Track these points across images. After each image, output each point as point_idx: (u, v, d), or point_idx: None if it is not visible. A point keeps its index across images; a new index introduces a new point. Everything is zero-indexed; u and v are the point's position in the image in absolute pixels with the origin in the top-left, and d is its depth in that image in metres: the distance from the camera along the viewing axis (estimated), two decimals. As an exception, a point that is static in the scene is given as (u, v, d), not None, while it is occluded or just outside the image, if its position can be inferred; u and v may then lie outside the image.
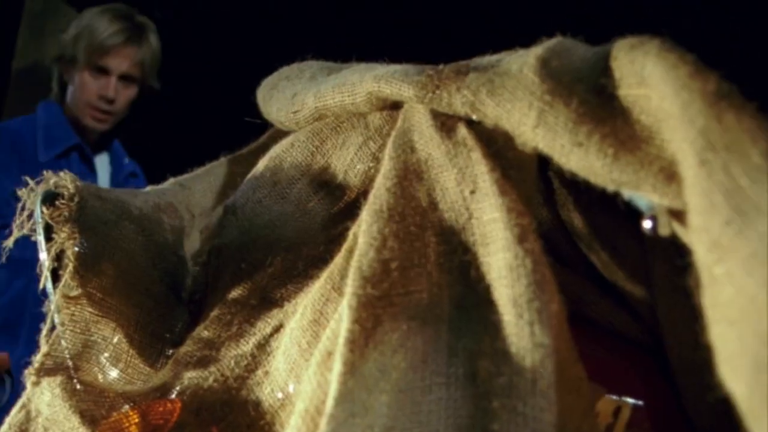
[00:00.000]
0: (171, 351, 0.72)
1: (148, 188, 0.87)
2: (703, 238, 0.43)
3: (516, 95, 0.56)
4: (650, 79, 0.50)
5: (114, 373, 0.69)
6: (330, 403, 0.50)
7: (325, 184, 0.72)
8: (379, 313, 0.53)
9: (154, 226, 0.77)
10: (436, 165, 0.60)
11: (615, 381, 0.59)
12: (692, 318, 0.59)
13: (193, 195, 0.89)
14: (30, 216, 0.77)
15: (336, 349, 0.53)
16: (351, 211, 0.69)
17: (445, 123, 0.62)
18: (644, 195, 0.50)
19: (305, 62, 0.88)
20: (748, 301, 0.40)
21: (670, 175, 0.49)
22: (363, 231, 0.58)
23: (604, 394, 0.58)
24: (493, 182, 0.56)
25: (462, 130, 0.60)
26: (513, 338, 0.51)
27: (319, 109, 0.74)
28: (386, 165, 0.61)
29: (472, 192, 0.57)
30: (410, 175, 0.61)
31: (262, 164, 0.78)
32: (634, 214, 0.62)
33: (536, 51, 0.58)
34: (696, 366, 0.57)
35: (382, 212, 0.58)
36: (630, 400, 0.58)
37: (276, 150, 0.77)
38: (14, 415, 0.65)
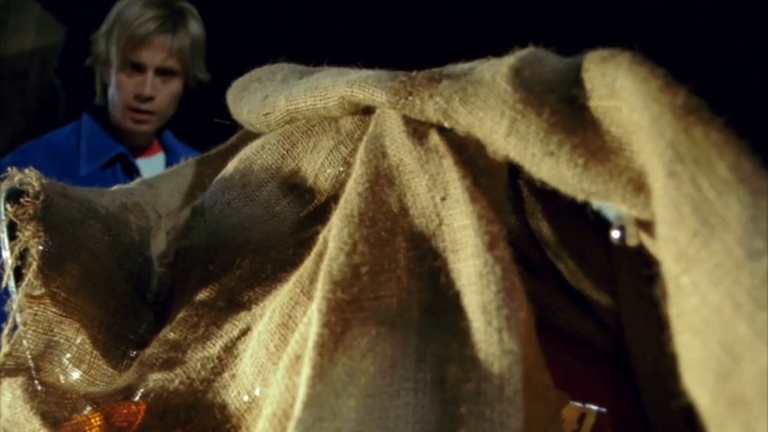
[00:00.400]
0: (135, 353, 0.72)
1: (115, 187, 0.86)
2: (670, 248, 0.44)
3: (488, 103, 0.57)
4: (621, 92, 0.51)
5: (76, 375, 0.68)
6: (298, 407, 0.50)
7: (294, 187, 0.72)
8: (348, 318, 0.53)
9: (121, 226, 0.76)
10: (408, 171, 0.60)
11: (580, 388, 0.60)
12: (656, 327, 0.60)
13: (160, 195, 0.88)
14: (-7, 213, 0.75)
15: (305, 353, 0.52)
16: (321, 214, 0.68)
17: (417, 129, 0.62)
18: (613, 205, 0.51)
19: (277, 64, 0.88)
20: (712, 311, 0.41)
21: (638, 186, 0.50)
22: (333, 235, 0.58)
23: (569, 401, 0.59)
24: (465, 189, 0.56)
25: (434, 137, 0.61)
26: (481, 345, 0.51)
27: (291, 112, 0.74)
28: (358, 170, 0.62)
29: (443, 198, 0.58)
30: (381, 180, 0.61)
31: (231, 166, 0.78)
32: (601, 223, 0.63)
33: (509, 60, 0.59)
34: (659, 374, 0.58)
35: (353, 217, 0.58)
36: (594, 408, 0.59)
37: (246, 152, 0.77)
38: None
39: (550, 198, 0.65)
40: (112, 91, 1.95)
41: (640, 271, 0.60)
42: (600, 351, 0.64)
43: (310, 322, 0.55)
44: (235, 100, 0.87)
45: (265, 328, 0.61)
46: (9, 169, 0.77)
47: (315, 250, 0.62)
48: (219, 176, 0.78)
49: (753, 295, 0.40)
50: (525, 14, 2.60)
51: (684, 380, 0.44)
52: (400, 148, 0.62)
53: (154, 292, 0.78)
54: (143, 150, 2.03)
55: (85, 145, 1.94)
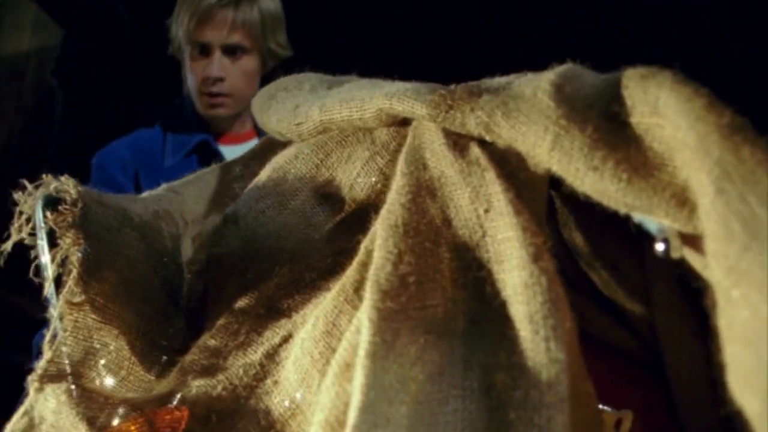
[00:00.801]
0: (168, 359, 0.73)
1: (145, 194, 0.87)
2: (720, 262, 0.46)
3: (531, 118, 0.58)
4: (665, 110, 0.53)
5: (115, 381, 0.69)
6: (353, 413, 0.51)
7: (329, 196, 0.73)
8: (397, 327, 0.55)
9: (155, 233, 0.77)
10: (450, 183, 0.62)
11: (615, 395, 0.62)
12: (691, 336, 0.62)
13: (186, 202, 0.90)
14: (28, 220, 0.76)
15: (356, 361, 0.54)
16: (358, 224, 0.70)
17: (458, 142, 0.64)
18: (656, 219, 0.53)
19: (303, 74, 0.90)
20: (763, 323, 0.43)
21: (682, 200, 0.52)
22: (378, 245, 0.59)
23: (606, 407, 0.61)
24: (508, 202, 0.58)
25: (475, 150, 0.62)
26: (529, 353, 0.53)
27: (325, 122, 0.75)
28: (399, 181, 0.63)
29: (486, 210, 0.59)
30: (423, 191, 0.62)
31: (264, 174, 0.79)
32: (634, 235, 0.65)
33: (548, 76, 0.61)
34: (693, 381, 0.60)
35: (398, 227, 0.60)
36: (629, 413, 0.61)
37: (279, 161, 0.78)
38: (16, 421, 0.65)
39: (583, 209, 0.67)
40: (187, 78, 1.87)
41: (674, 282, 0.62)
42: (631, 358, 0.66)
43: (359, 331, 0.56)
44: (261, 109, 0.89)
45: (308, 335, 0.62)
46: (44, 176, 0.78)
47: (357, 259, 0.63)
48: (251, 185, 0.80)
49: (805, 308, 0.42)
50: (528, 15, 2.62)
51: (731, 389, 0.46)
52: (441, 160, 0.63)
53: (185, 299, 0.79)
54: (234, 137, 1.92)
55: (170, 136, 1.87)
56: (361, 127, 0.73)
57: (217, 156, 1.79)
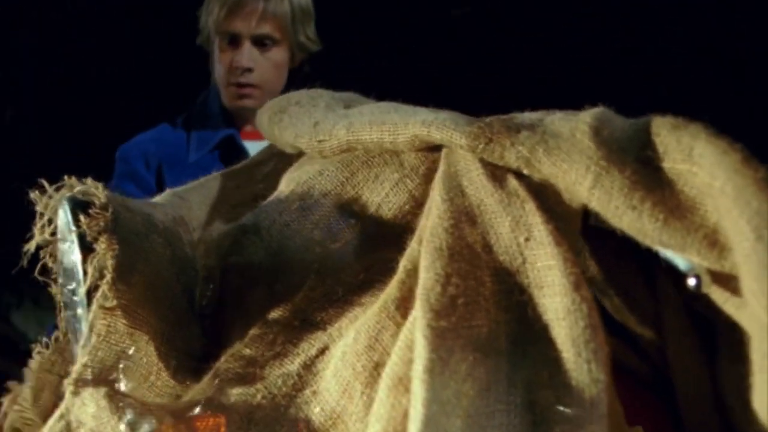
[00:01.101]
0: (191, 365, 0.74)
1: (157, 199, 0.88)
2: (761, 300, 0.52)
3: (572, 157, 0.64)
4: (700, 159, 0.59)
5: (145, 386, 0.70)
6: (416, 425, 0.55)
7: (355, 214, 0.77)
8: (450, 345, 0.59)
9: (176, 240, 0.79)
10: (490, 211, 0.67)
11: (627, 417, 0.67)
12: (698, 361, 0.69)
13: (191, 208, 0.91)
14: (50, 221, 0.76)
15: (413, 375, 0.58)
16: (385, 242, 0.74)
17: (494, 173, 0.69)
18: (689, 257, 0.59)
19: (314, 90, 0.93)
20: (802, 357, 0.50)
21: (713, 241, 0.59)
22: (425, 267, 0.63)
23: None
24: (549, 233, 0.63)
25: (513, 182, 0.67)
26: (573, 373, 0.58)
27: (351, 142, 0.78)
28: (441, 206, 0.67)
29: (527, 239, 0.64)
30: (463, 217, 0.67)
31: (286, 188, 0.81)
32: (646, 265, 0.71)
33: (585, 119, 0.66)
34: (701, 404, 0.67)
35: (443, 251, 0.64)
36: (640, 428, 0.67)
37: (301, 176, 0.80)
38: (52, 425, 0.65)
39: (598, 239, 0.73)
40: (215, 69, 1.85)
41: (684, 311, 0.69)
42: (642, 383, 0.72)
43: (411, 347, 0.60)
44: (272, 121, 0.91)
45: (350, 349, 0.65)
46: (66, 178, 0.78)
47: (397, 277, 0.67)
48: (272, 197, 0.82)
49: (840, 345, 0.48)
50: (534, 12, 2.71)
51: (761, 413, 0.52)
52: (480, 189, 0.68)
53: (198, 305, 0.80)
54: (259, 133, 1.86)
55: (194, 131, 1.84)
56: (389, 149, 0.77)
57: (242, 151, 1.77)
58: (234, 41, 1.78)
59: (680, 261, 0.61)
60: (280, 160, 0.95)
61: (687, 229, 0.59)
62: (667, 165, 0.62)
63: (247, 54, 1.75)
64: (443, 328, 0.60)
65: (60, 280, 0.77)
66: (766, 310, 0.52)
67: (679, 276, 0.66)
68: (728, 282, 0.58)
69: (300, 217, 0.78)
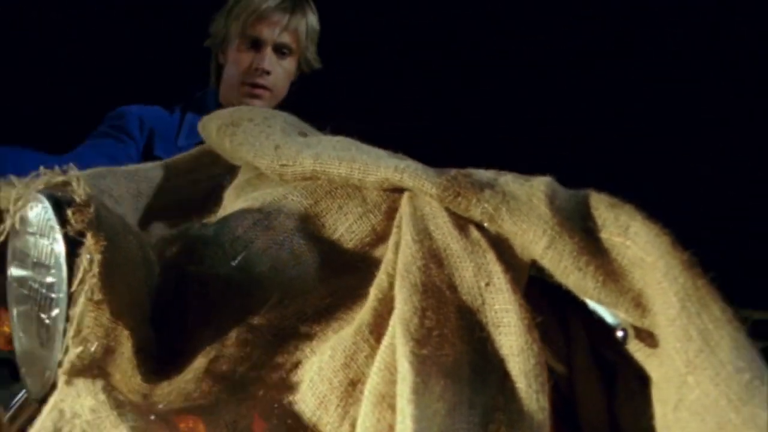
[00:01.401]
0: (152, 365, 0.78)
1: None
2: (681, 356, 0.68)
3: (531, 220, 0.76)
4: (635, 237, 0.74)
5: (123, 382, 0.73)
6: None
7: (319, 240, 0.84)
8: (429, 370, 0.69)
9: (145, 242, 0.82)
10: (455, 255, 0.77)
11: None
12: (600, 393, 0.84)
13: (126, 214, 0.94)
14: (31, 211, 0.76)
15: (401, 395, 0.67)
16: (348, 270, 0.82)
17: (458, 222, 0.79)
18: (619, 314, 0.74)
19: (266, 110, 0.99)
20: (711, 402, 0.65)
21: (638, 303, 0.73)
22: (403, 299, 0.73)
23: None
24: (507, 281, 0.75)
25: (474, 232, 0.79)
26: (524, 401, 0.70)
27: (317, 172, 0.86)
28: (412, 246, 0.77)
29: (487, 284, 0.76)
30: (432, 258, 0.77)
31: (246, 205, 0.87)
32: (562, 316, 0.86)
33: (539, 186, 0.79)
34: (601, 429, 0.82)
35: (417, 286, 0.74)
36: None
37: (265, 197, 0.87)
38: (47, 414, 0.67)
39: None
40: (228, 68, 1.98)
41: (590, 352, 0.84)
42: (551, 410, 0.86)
43: (393, 370, 0.69)
44: (222, 132, 0.96)
45: (327, 365, 0.73)
46: (41, 168, 0.79)
47: (369, 305, 0.76)
48: (233, 213, 0.87)
49: (740, 396, 0.65)
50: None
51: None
52: (446, 234, 0.78)
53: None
54: None
55: (189, 116, 1.92)
56: (352, 184, 0.85)
57: None
58: (256, 45, 1.94)
59: (610, 316, 0.75)
60: (221, 169, 1.01)
61: (620, 291, 0.74)
62: (604, 236, 0.77)
63: (269, 59, 1.93)
64: (423, 355, 0.69)
65: (24, 273, 0.77)
66: (685, 364, 0.67)
67: (589, 322, 0.81)
68: (644, 336, 0.73)
69: (265, 236, 0.84)
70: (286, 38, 1.96)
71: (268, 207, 0.86)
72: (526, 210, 0.77)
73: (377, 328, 0.75)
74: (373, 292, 0.77)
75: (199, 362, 0.75)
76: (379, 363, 0.71)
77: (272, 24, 1.94)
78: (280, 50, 1.97)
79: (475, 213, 0.78)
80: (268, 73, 1.95)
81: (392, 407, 0.68)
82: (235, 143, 0.94)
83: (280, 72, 1.97)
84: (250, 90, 1.95)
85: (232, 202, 0.93)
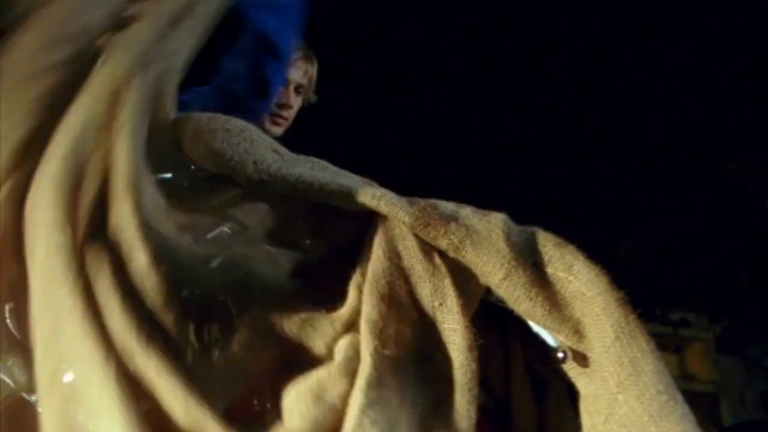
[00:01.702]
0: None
1: None
2: (614, 378, 0.78)
3: (490, 253, 0.86)
4: (578, 274, 0.85)
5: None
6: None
7: (288, 245, 0.91)
8: (385, 366, 0.77)
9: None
10: (417, 275, 0.86)
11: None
12: (532, 401, 0.93)
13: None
14: None
15: (357, 385, 0.75)
16: (311, 270, 0.90)
17: (424, 247, 0.89)
18: (560, 337, 0.83)
19: (238, 120, 1.05)
20: (636, 417, 0.76)
21: (576, 330, 0.84)
22: (372, 305, 0.82)
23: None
24: (459, 304, 0.85)
25: (437, 259, 0.88)
26: (458, 408, 0.80)
27: (297, 192, 0.94)
28: (384, 263, 0.86)
29: (440, 304, 0.85)
30: (399, 275, 0.86)
31: (225, 220, 0.93)
32: (502, 338, 0.95)
33: (497, 223, 0.89)
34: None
35: (384, 297, 0.83)
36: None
37: (250, 212, 0.94)
38: None
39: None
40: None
41: (525, 367, 0.94)
42: (486, 414, 0.94)
43: (358, 359, 0.78)
44: (197, 136, 1.00)
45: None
46: None
47: (347, 307, 0.84)
48: (222, 228, 0.93)
49: (659, 413, 0.75)
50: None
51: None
52: (412, 256, 0.87)
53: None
54: None
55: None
56: (329, 203, 0.94)
57: None
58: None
59: (552, 339, 0.85)
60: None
61: (562, 319, 0.84)
62: (549, 270, 0.87)
63: (293, 96, 2.33)
64: (382, 354, 0.78)
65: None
66: (616, 384, 0.77)
67: (525, 341, 0.92)
68: (578, 358, 0.83)
69: (243, 241, 0.91)
70: (304, 81, 2.38)
71: (239, 216, 0.92)
72: (486, 244, 0.87)
73: (354, 326, 0.83)
74: (349, 303, 0.85)
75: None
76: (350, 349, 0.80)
77: (297, 68, 2.34)
78: (298, 89, 2.36)
79: (442, 243, 0.88)
80: (291, 107, 2.32)
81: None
82: (209, 149, 0.98)
83: (295, 107, 2.35)
84: (273, 119, 2.30)
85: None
